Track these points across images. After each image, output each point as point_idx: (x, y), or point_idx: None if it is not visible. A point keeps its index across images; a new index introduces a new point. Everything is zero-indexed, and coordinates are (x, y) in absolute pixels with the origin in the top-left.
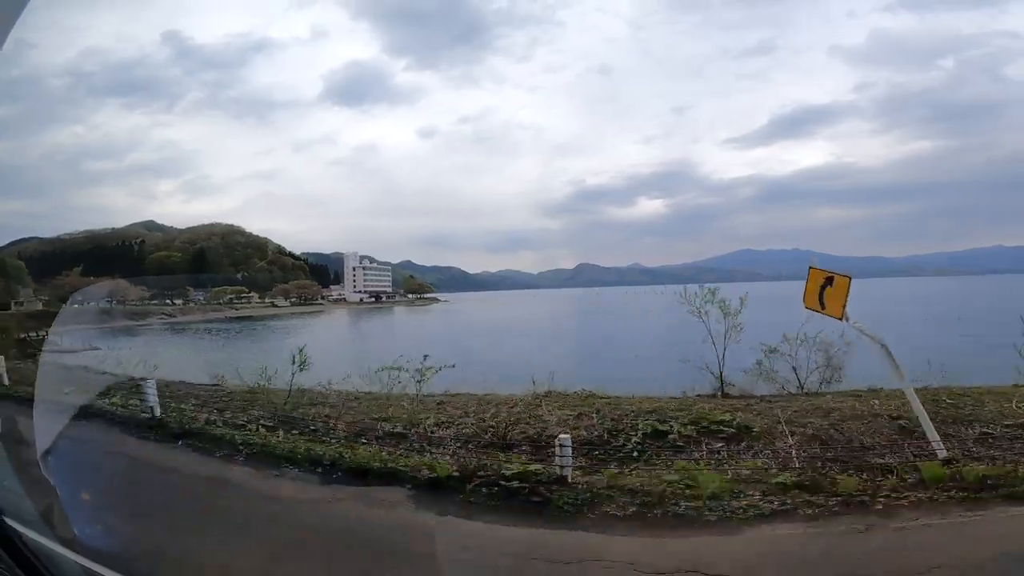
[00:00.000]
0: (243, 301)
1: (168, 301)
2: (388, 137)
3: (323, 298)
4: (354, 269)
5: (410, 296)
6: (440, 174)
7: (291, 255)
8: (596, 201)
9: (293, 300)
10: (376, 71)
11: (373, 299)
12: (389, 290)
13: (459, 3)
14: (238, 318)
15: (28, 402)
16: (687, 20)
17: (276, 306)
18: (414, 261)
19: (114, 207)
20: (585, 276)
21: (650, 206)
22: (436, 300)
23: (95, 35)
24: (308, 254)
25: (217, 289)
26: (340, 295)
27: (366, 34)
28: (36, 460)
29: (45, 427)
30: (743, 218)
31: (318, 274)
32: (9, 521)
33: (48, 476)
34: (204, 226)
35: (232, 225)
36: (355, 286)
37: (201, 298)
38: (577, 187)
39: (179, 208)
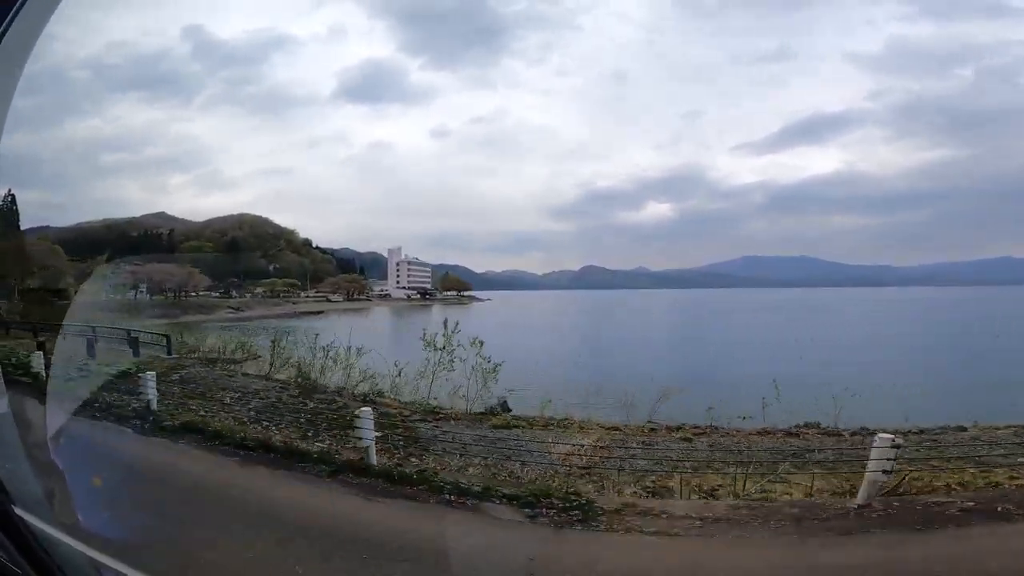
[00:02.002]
0: (291, 294)
1: (230, 293)
2: (401, 136)
3: (367, 294)
4: (398, 265)
5: (452, 294)
6: (450, 174)
7: (320, 249)
8: (604, 204)
9: (342, 295)
10: (391, 70)
11: (420, 296)
12: (430, 287)
13: (477, 4)
14: (309, 313)
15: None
16: (701, 26)
17: (331, 300)
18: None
19: (129, 199)
20: (591, 278)
21: (658, 210)
22: (475, 298)
23: (119, 29)
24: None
25: (267, 281)
26: (383, 291)
27: (383, 33)
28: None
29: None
30: (752, 224)
31: (345, 269)
32: (18, 511)
33: None
34: (233, 216)
35: (260, 216)
36: (399, 282)
37: (238, 289)
38: (585, 190)
39: (191, 201)
